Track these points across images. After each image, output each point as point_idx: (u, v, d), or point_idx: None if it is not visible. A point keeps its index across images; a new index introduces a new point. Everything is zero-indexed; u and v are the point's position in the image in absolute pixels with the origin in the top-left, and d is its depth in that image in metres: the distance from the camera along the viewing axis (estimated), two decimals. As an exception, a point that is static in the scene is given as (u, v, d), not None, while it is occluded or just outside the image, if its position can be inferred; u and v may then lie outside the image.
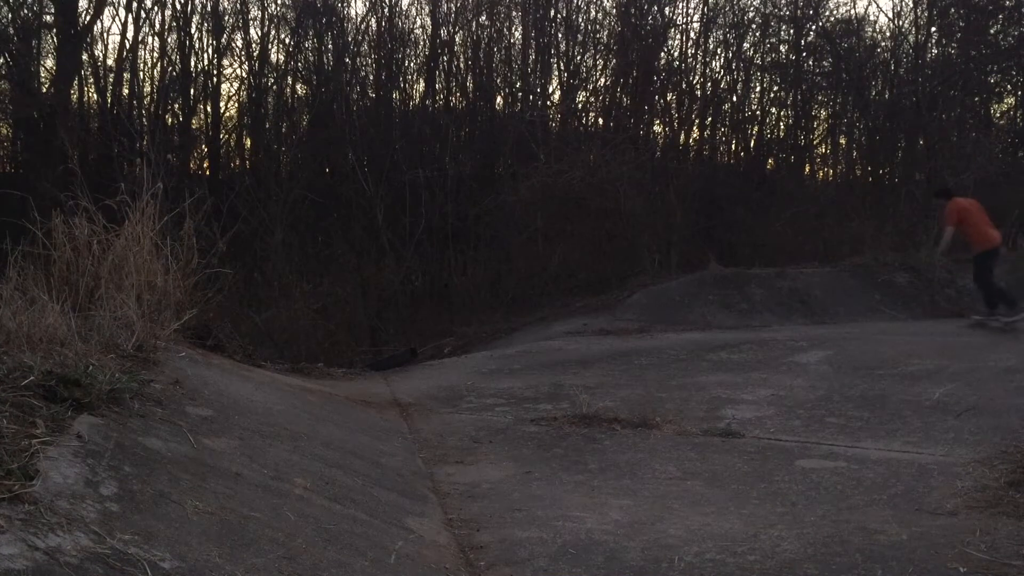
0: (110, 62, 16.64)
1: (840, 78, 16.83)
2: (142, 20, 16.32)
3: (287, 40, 16.83)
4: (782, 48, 17.51)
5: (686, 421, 5.40)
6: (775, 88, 17.67)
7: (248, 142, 17.44)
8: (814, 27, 17.00)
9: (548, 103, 16.29)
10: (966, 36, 16.17)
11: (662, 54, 16.56)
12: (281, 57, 16.88)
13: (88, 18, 15.19)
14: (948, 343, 7.99)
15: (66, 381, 3.15)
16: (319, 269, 13.97)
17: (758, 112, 17.71)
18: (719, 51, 17.20)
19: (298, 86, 17.26)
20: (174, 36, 16.38)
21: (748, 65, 17.24)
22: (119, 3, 16.65)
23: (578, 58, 16.54)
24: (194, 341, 5.68)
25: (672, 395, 6.16)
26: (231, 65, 18.21)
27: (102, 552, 2.22)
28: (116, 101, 16.01)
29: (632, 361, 7.58)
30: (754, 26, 17.08)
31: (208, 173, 16.53)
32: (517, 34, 16.58)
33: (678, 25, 16.89)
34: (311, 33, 16.61)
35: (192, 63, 16.56)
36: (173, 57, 16.51)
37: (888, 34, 17.38)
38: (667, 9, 16.46)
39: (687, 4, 18.45)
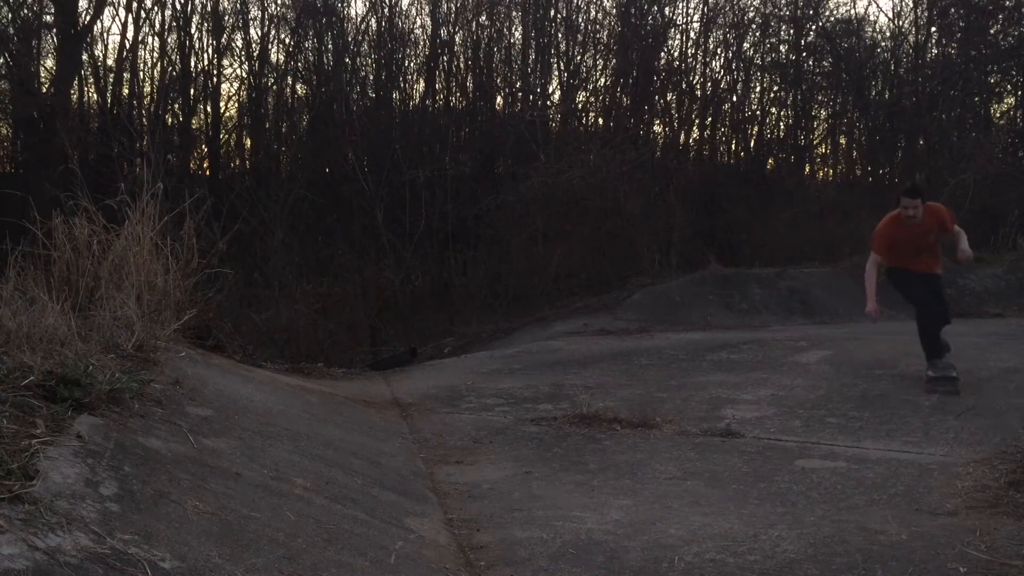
0: (110, 62, 16.61)
1: (840, 78, 16.82)
2: (142, 20, 16.29)
3: (287, 40, 16.82)
4: (782, 48, 17.50)
5: (686, 421, 5.39)
6: (775, 88, 17.66)
7: (248, 142, 17.41)
8: (814, 27, 17.00)
9: (548, 103, 16.27)
10: (966, 36, 16.17)
11: (662, 54, 16.55)
12: (281, 57, 16.87)
13: (88, 18, 15.17)
14: (948, 343, 7.98)
15: (66, 381, 3.15)
16: (319, 269, 13.95)
17: (758, 112, 17.70)
18: (719, 51, 17.18)
19: (298, 86, 17.25)
20: (174, 36, 16.35)
21: (748, 65, 17.23)
22: (119, 3, 16.61)
23: (578, 58, 16.53)
24: (194, 341, 5.68)
25: (672, 395, 6.15)
26: (231, 65, 18.18)
27: (102, 552, 2.22)
28: (116, 101, 15.98)
29: (632, 361, 7.58)
30: (754, 26, 17.07)
31: (208, 173, 16.50)
32: (517, 34, 16.56)
33: (678, 25, 16.87)
34: (311, 33, 16.59)
35: (192, 63, 16.54)
36: (173, 57, 16.48)
37: (888, 34, 17.38)
38: (667, 9, 16.43)
39: (687, 4, 18.41)
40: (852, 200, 15.54)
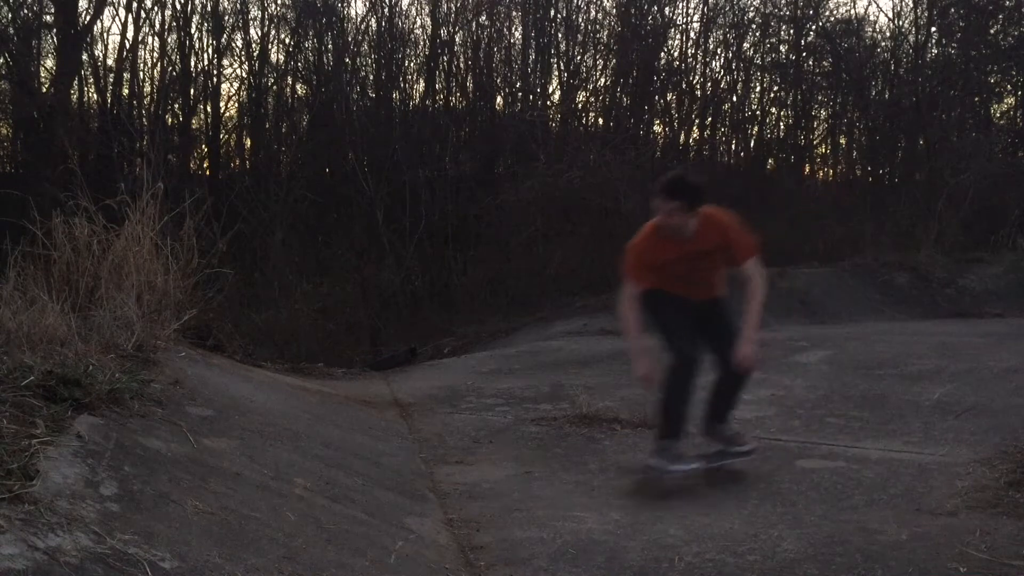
0: (110, 62, 16.64)
1: (840, 78, 16.82)
2: (142, 20, 16.31)
3: (287, 40, 16.84)
4: (782, 48, 17.51)
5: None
6: (775, 88, 17.68)
7: (248, 142, 17.43)
8: (814, 27, 17.00)
9: (548, 103, 16.29)
10: (966, 36, 16.17)
11: (662, 54, 16.56)
12: (281, 57, 16.90)
13: (88, 18, 15.18)
14: (948, 343, 7.98)
15: (66, 381, 3.15)
16: (319, 269, 13.98)
17: (758, 112, 17.72)
18: (719, 51, 17.20)
19: (298, 86, 17.27)
20: (174, 36, 16.37)
21: (748, 65, 17.24)
22: (119, 3, 16.64)
23: (578, 58, 16.54)
24: (194, 341, 5.68)
25: (672, 395, 6.14)
26: (231, 65, 18.19)
27: (102, 552, 2.22)
28: (116, 101, 15.99)
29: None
30: (754, 26, 17.09)
31: (208, 173, 16.51)
32: (517, 34, 16.58)
33: (678, 25, 16.90)
34: (311, 33, 16.61)
35: (192, 63, 16.56)
36: (173, 57, 16.50)
37: (888, 34, 17.39)
38: (667, 9, 16.45)
39: (687, 4, 18.41)
40: (852, 200, 15.54)
